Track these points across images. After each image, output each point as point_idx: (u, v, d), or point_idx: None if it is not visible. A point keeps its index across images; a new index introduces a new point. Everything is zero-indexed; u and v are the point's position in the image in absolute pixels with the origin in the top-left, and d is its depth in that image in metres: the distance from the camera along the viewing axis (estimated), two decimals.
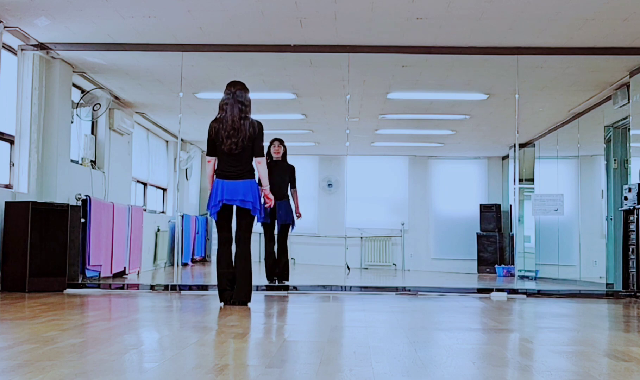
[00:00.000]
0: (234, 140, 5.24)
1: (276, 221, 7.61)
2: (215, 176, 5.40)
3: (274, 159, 7.62)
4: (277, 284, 7.47)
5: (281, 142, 7.73)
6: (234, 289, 5.34)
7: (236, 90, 5.35)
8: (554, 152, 10.65)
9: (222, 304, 5.40)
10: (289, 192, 7.69)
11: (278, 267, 7.64)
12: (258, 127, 5.33)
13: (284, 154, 7.73)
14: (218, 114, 5.37)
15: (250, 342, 3.51)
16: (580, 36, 6.59)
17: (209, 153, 5.43)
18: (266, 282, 7.49)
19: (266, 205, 5.56)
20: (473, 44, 6.91)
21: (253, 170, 5.38)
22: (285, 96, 8.92)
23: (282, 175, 7.62)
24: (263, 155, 5.40)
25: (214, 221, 5.66)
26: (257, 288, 7.18)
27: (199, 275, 9.95)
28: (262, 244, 7.71)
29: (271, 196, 5.54)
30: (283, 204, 7.55)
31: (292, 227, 7.71)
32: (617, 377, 2.66)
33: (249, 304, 5.39)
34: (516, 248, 11.00)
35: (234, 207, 5.38)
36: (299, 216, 7.77)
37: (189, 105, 8.89)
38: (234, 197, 5.28)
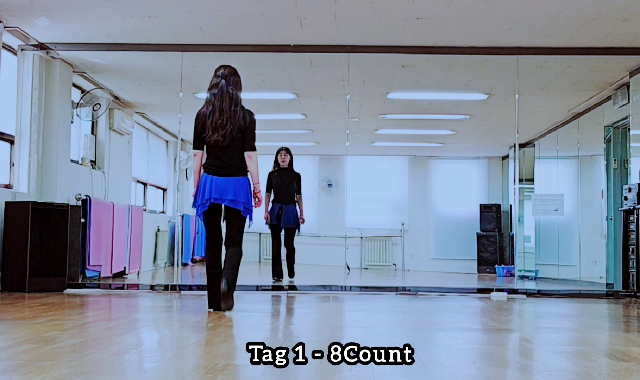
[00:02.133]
0: (222, 132, 4.72)
1: (282, 224, 8.14)
2: (202, 170, 4.86)
3: (281, 166, 8.16)
4: (274, 283, 7.78)
5: (288, 150, 8.26)
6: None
7: (226, 75, 4.86)
8: (554, 152, 10.65)
9: (211, 309, 4.88)
10: (295, 198, 8.22)
11: (287, 267, 8.24)
12: (250, 118, 4.83)
13: (290, 162, 8.25)
14: (206, 101, 4.88)
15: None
16: (580, 36, 6.59)
17: (195, 146, 4.90)
18: (265, 282, 7.60)
19: (255, 206, 4.97)
20: (473, 44, 6.91)
21: (245, 166, 4.84)
22: (285, 96, 8.92)
23: (289, 181, 8.15)
24: (255, 149, 4.87)
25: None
26: (258, 288, 7.19)
27: (199, 275, 9.95)
28: (262, 245, 8.00)
29: (261, 196, 4.97)
30: (290, 208, 8.15)
31: (298, 231, 8.30)
32: (617, 377, 2.66)
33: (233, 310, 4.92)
34: (516, 248, 11.00)
35: (223, 206, 4.86)
36: (302, 222, 8.30)
37: (189, 105, 8.87)
38: (223, 195, 4.75)
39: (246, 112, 4.84)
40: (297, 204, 8.24)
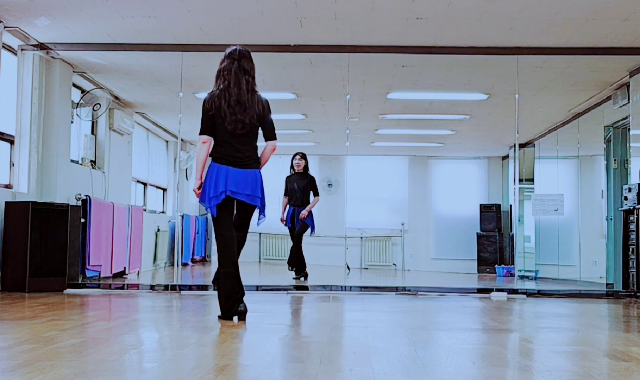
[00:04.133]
0: (241, 118, 4.30)
1: (296, 226, 8.57)
2: (211, 160, 4.38)
3: (296, 171, 8.59)
4: (301, 281, 8.27)
5: (303, 155, 8.67)
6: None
7: (241, 56, 4.39)
8: (554, 152, 10.64)
9: (235, 319, 4.31)
10: (310, 200, 8.62)
11: (291, 264, 8.61)
12: (267, 105, 4.48)
13: (305, 166, 8.64)
14: (216, 84, 4.42)
15: (250, 342, 3.51)
16: (580, 36, 6.59)
17: (205, 131, 4.34)
18: (265, 282, 7.75)
19: None
20: (473, 44, 6.91)
21: (259, 158, 4.47)
22: (285, 96, 8.92)
23: (302, 185, 8.56)
24: (276, 138, 4.52)
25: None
26: (258, 288, 7.19)
27: (199, 275, 9.95)
28: (261, 245, 8.26)
29: None
30: (302, 211, 8.49)
31: (312, 232, 8.65)
32: (617, 377, 2.66)
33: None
34: (516, 248, 11.00)
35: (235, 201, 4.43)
36: (303, 217, 8.53)
37: (189, 105, 8.88)
38: (240, 189, 4.30)
39: (263, 100, 4.47)
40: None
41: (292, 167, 8.65)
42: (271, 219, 8.54)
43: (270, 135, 4.48)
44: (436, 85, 8.42)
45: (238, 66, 4.37)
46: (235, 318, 4.32)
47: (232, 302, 4.28)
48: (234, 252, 4.38)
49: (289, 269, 8.58)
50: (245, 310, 4.30)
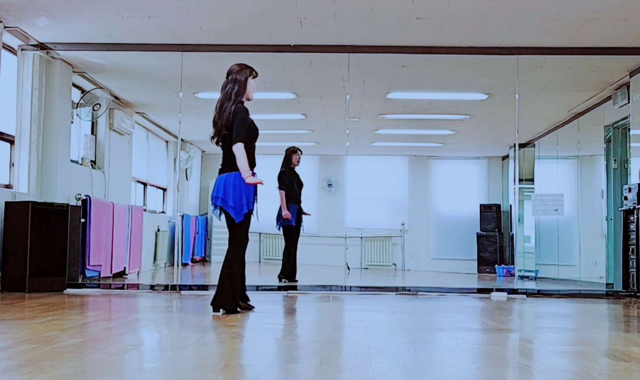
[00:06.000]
0: (215, 129, 4.78)
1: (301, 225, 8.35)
2: None
3: (294, 167, 8.24)
4: (285, 283, 7.79)
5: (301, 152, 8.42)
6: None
7: (229, 72, 4.84)
8: (554, 152, 10.64)
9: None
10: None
11: (293, 269, 8.23)
12: (234, 111, 4.66)
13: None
14: None
15: (250, 342, 3.51)
16: (580, 36, 6.59)
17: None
18: (265, 282, 7.63)
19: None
20: (473, 44, 6.91)
21: (234, 160, 4.65)
22: (285, 96, 8.92)
23: (301, 182, 8.34)
24: (238, 141, 4.59)
25: (214, 221, 5.28)
26: (258, 288, 7.19)
27: (199, 275, 9.95)
28: (262, 245, 8.07)
29: (253, 180, 4.59)
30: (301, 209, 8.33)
31: (302, 230, 8.42)
32: (617, 377, 2.66)
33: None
34: (516, 248, 10.99)
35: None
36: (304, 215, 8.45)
37: (189, 105, 8.89)
38: (215, 194, 4.70)
39: (231, 108, 4.68)
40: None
41: (290, 162, 8.17)
42: (270, 219, 8.56)
43: (232, 140, 4.64)
44: (436, 85, 8.42)
45: (225, 82, 4.81)
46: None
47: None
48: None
49: (281, 281, 7.96)
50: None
